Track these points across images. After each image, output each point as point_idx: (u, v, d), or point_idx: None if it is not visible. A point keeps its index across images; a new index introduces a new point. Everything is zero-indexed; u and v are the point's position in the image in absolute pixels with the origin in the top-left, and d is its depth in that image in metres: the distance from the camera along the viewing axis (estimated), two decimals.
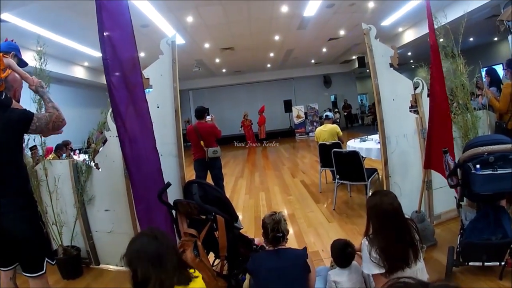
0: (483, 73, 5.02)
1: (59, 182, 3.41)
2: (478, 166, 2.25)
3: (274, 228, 2.21)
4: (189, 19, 8.12)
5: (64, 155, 6.77)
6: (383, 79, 3.58)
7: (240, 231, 2.78)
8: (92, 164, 3.53)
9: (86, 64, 11.65)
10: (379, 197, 2.03)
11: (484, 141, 2.36)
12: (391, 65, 3.70)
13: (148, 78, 3.39)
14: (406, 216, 2.13)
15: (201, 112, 5.20)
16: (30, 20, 6.64)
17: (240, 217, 4.78)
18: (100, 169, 3.52)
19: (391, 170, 3.54)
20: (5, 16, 6.09)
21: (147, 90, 3.41)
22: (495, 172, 2.21)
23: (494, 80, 4.60)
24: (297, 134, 16.87)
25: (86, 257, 3.50)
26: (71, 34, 8.10)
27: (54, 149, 6.53)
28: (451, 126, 3.10)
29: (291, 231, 3.99)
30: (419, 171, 3.48)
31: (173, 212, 2.69)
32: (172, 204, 2.63)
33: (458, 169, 2.40)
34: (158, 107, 3.40)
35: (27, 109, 2.18)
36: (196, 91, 19.19)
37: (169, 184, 2.61)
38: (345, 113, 18.68)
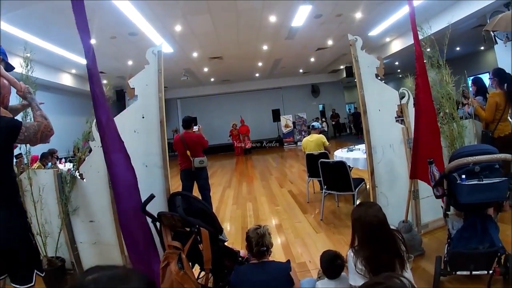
0: (470, 82, 5.11)
1: (43, 192, 3.33)
2: (463, 176, 2.25)
3: (258, 242, 2.20)
4: (177, 27, 8.08)
5: (50, 163, 6.63)
6: (369, 90, 3.60)
7: (226, 242, 2.75)
8: (77, 174, 3.47)
9: (73, 71, 11.49)
10: (364, 209, 2.02)
11: (470, 151, 2.37)
12: (377, 76, 3.75)
13: (134, 88, 3.35)
14: (392, 227, 2.12)
15: (188, 122, 5.17)
16: (18, 26, 6.53)
17: (227, 228, 4.74)
18: (84, 179, 3.45)
19: (378, 180, 3.54)
20: None
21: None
22: (481, 182, 2.22)
23: (480, 89, 4.69)
24: (285, 144, 16.87)
25: (71, 268, 3.42)
26: (59, 41, 7.96)
27: (39, 157, 6.39)
28: (439, 135, 3.12)
29: (278, 242, 3.97)
30: (405, 181, 3.48)
31: (158, 224, 2.64)
32: (156, 216, 2.58)
33: (444, 179, 2.40)
34: (143, 117, 3.36)
35: (15, 118, 2.12)
36: (184, 100, 19.10)
37: (152, 196, 2.56)
38: (333, 123, 18.82)
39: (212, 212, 2.58)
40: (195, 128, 5.46)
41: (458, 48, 12.82)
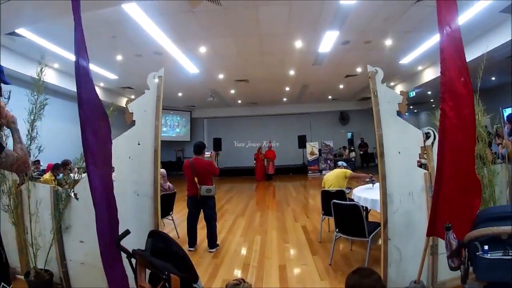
0: (505, 114, 4.61)
1: (40, 205, 3.37)
2: (486, 247, 1.84)
3: None
4: (202, 49, 8.08)
5: (61, 175, 6.60)
6: (388, 129, 3.25)
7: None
8: (72, 193, 3.41)
9: (101, 84, 11.76)
10: (359, 278, 1.73)
11: (499, 214, 1.95)
12: (399, 113, 3.38)
13: (132, 113, 3.22)
14: None
15: (200, 147, 5.01)
16: (48, 38, 6.76)
17: (228, 263, 4.41)
18: (78, 199, 3.36)
19: (392, 232, 3.13)
20: (21, 31, 6.20)
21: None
22: (506, 257, 1.80)
23: None
24: (309, 172, 16.37)
25: (59, 283, 3.40)
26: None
27: (52, 168, 6.37)
28: (479, 190, 2.48)
29: (278, 286, 3.61)
30: (424, 234, 3.03)
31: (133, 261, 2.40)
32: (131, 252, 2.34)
33: (463, 249, 1.98)
34: (138, 144, 3.21)
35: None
36: (211, 120, 19.20)
37: (127, 232, 2.33)
38: (361, 152, 18.13)
39: (187, 257, 2.31)
40: (207, 154, 5.28)
41: (493, 78, 12.04)
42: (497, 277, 1.81)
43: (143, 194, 3.16)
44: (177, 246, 2.38)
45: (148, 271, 2.35)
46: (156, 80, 3.26)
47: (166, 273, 2.05)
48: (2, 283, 1.98)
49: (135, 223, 3.01)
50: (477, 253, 1.85)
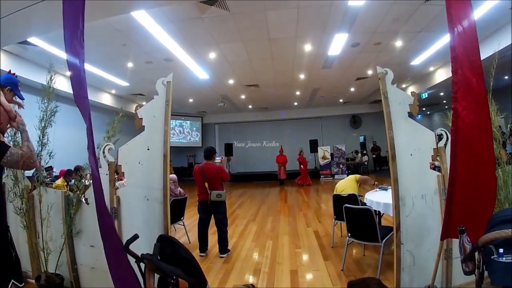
0: None
1: (51, 210, 3.40)
2: (501, 250, 1.77)
3: None
4: (212, 55, 8.13)
5: (73, 180, 6.68)
6: (399, 131, 3.19)
7: None
8: (83, 198, 3.45)
9: (113, 91, 11.93)
10: None
11: None
12: (410, 114, 3.31)
13: (142, 118, 3.24)
14: None
15: (210, 153, 5.00)
16: (60, 47, 6.81)
17: (238, 267, 4.38)
18: (89, 204, 3.38)
19: (404, 236, 3.05)
20: (33, 40, 6.33)
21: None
22: None
23: None
24: (321, 176, 16.24)
25: (70, 287, 3.39)
26: (98, 63, 8.33)
27: (64, 174, 6.45)
28: (494, 189, 2.43)
29: None
30: (437, 238, 2.95)
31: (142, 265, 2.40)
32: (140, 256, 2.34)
33: (477, 252, 1.92)
34: (148, 149, 3.24)
35: (6, 142, 2.23)
36: (222, 125, 19.27)
37: (136, 236, 2.33)
38: (374, 156, 17.91)
39: (196, 261, 2.30)
40: (218, 159, 5.28)
41: (506, 77, 11.77)
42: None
43: (153, 199, 3.17)
44: (185, 251, 2.38)
45: (157, 276, 2.34)
46: (165, 86, 3.27)
47: (174, 277, 2.04)
48: (12, 280, 2.10)
49: (145, 228, 3.03)
50: (492, 257, 1.78)
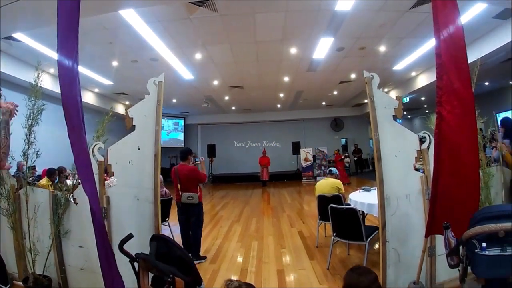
0: (499, 119, 4.70)
1: (38, 211, 3.33)
2: (484, 244, 1.88)
3: None
4: (198, 55, 8.12)
5: (57, 180, 6.56)
6: (385, 133, 3.32)
7: None
8: (71, 198, 3.40)
9: (96, 90, 11.71)
10: (357, 276, 1.77)
11: (495, 213, 1.99)
12: (395, 118, 3.44)
13: (132, 118, 3.24)
14: None
15: (185, 154, 4.88)
16: (45, 43, 6.72)
17: (225, 267, 4.41)
18: (77, 204, 3.35)
19: (390, 235, 3.17)
20: (18, 35, 6.19)
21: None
22: (504, 253, 1.84)
23: (509, 131, 4.29)
24: (304, 178, 16.41)
25: None
26: (83, 61, 8.14)
27: (46, 173, 6.32)
28: (478, 190, 2.61)
29: None
30: (421, 236, 3.08)
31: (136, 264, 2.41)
32: (134, 256, 2.35)
33: (461, 247, 2.03)
34: (139, 148, 3.24)
35: None
36: (205, 126, 19.18)
37: (130, 236, 2.34)
38: (355, 158, 18.22)
39: (191, 260, 2.33)
40: (198, 161, 5.21)
41: (486, 83, 12.24)
42: (496, 273, 1.85)
43: (144, 199, 3.17)
44: (180, 249, 2.40)
45: (150, 275, 2.35)
46: (156, 86, 3.28)
47: (170, 276, 2.06)
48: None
49: (136, 228, 3.00)
50: (476, 251, 1.89)
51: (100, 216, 2.62)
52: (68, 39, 2.53)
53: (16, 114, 3.56)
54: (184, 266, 2.24)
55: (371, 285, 1.68)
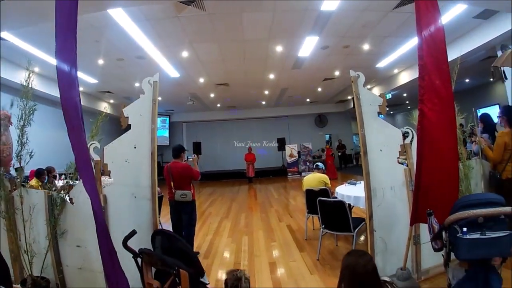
0: (478, 114, 4.93)
1: (33, 212, 3.31)
2: (465, 229, 2.07)
3: (233, 284, 2.11)
4: (184, 53, 8.16)
5: (46, 180, 6.51)
6: (370, 129, 3.49)
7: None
8: (67, 198, 3.40)
9: (81, 88, 11.53)
10: (355, 258, 1.92)
11: (474, 201, 2.18)
12: (379, 114, 3.63)
13: (127, 117, 3.30)
14: (386, 278, 2.06)
15: (178, 151, 4.85)
16: (30, 42, 6.65)
17: (219, 262, 4.53)
18: (74, 204, 3.36)
19: (377, 224, 3.36)
20: (4, 34, 6.09)
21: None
22: (483, 237, 2.03)
23: (488, 126, 4.52)
24: (289, 174, 16.64)
25: None
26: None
27: (35, 174, 6.27)
28: (457, 181, 2.85)
29: (270, 282, 3.78)
30: (406, 225, 3.28)
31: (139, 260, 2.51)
32: (137, 251, 2.45)
33: (444, 232, 2.22)
34: (135, 147, 3.30)
35: None
36: (190, 124, 19.17)
37: (134, 232, 2.44)
38: (340, 153, 18.58)
39: (193, 253, 2.44)
40: (190, 158, 5.25)
41: (467, 80, 12.73)
42: (476, 255, 2.05)
43: (141, 197, 3.23)
44: (182, 242, 2.50)
45: (153, 270, 2.45)
46: (151, 85, 3.36)
47: (175, 268, 2.17)
48: (1, 286, 2.04)
49: (134, 225, 3.05)
50: (457, 235, 2.08)
51: (101, 216, 2.67)
52: (66, 39, 2.58)
53: (12, 124, 3.57)
54: (187, 259, 2.34)
55: (367, 265, 1.84)
